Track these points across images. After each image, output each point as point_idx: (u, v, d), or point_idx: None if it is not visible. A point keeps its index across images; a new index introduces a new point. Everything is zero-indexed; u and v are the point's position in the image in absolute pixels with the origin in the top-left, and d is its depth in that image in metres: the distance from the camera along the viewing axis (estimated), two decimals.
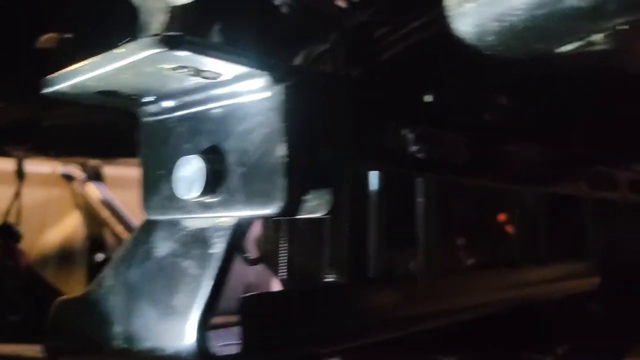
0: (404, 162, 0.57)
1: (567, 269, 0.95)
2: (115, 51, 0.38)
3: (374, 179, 0.61)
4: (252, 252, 0.60)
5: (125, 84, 0.44)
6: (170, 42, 0.36)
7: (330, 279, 0.49)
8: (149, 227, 0.55)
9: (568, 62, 0.55)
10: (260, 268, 0.78)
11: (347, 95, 0.48)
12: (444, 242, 0.93)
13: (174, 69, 0.41)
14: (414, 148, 0.58)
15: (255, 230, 0.61)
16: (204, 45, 0.38)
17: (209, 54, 0.39)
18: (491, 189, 0.88)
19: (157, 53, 0.38)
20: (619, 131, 0.89)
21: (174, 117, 0.51)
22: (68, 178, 2.16)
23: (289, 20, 0.50)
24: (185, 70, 0.42)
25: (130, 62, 0.39)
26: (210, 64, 0.40)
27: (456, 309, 0.70)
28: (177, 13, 0.46)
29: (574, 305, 1.20)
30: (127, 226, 1.80)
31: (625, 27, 0.36)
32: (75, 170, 2.04)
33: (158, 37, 0.36)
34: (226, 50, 0.39)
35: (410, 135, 0.58)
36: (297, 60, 0.60)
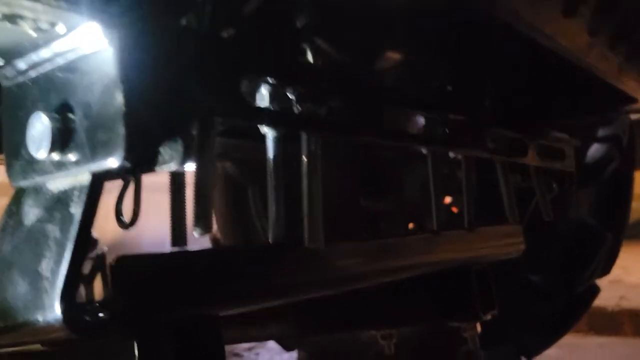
0: (284, 119, 0.57)
1: (490, 234, 0.96)
2: None
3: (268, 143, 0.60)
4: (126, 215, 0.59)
5: None
6: None
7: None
8: (17, 196, 0.54)
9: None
10: None
11: (201, 50, 0.48)
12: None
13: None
14: (297, 107, 0.58)
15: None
16: None
17: None
18: (377, 145, 0.88)
19: None
20: (528, 97, 0.91)
21: (27, 78, 0.50)
22: None
23: None
24: (14, 19, 0.41)
25: None
26: (33, 10, 0.39)
27: (356, 275, 0.69)
28: None
29: (507, 274, 1.22)
30: None
31: None
32: None
33: None
34: None
35: (292, 94, 0.58)
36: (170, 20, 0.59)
